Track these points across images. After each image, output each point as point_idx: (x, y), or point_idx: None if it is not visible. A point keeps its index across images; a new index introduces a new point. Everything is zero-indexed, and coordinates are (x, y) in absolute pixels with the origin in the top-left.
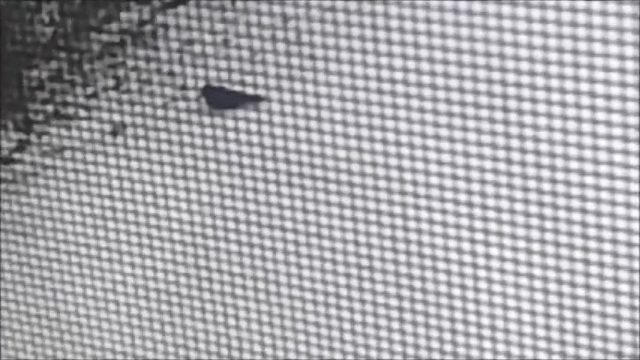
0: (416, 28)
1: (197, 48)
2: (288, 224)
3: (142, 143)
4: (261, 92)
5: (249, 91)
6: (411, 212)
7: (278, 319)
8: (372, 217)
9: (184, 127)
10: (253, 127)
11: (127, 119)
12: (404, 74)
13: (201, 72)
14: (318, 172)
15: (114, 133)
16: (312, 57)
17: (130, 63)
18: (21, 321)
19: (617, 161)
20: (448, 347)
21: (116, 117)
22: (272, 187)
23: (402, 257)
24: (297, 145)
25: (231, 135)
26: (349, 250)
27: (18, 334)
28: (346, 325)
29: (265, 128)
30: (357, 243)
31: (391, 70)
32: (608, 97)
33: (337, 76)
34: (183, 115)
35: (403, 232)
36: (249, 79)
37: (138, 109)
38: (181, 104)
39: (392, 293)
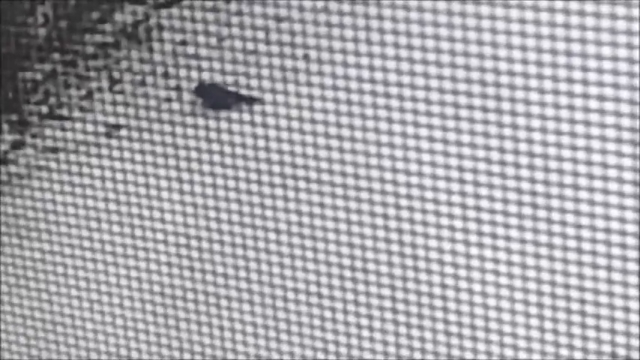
0: (409, 30)
1: (191, 49)
2: (282, 226)
3: (136, 144)
4: (255, 94)
5: (243, 92)
6: (405, 214)
7: (272, 322)
8: (366, 218)
9: (178, 129)
10: (247, 128)
11: (122, 120)
12: (398, 76)
13: (195, 73)
14: (312, 174)
15: (108, 134)
16: (306, 58)
17: (124, 64)
18: (16, 322)
19: (610, 163)
20: (442, 349)
21: (110, 118)
22: (266, 189)
23: (396, 259)
24: (291, 147)
25: (225, 137)
26: (343, 252)
27: (12, 336)
28: (340, 327)
29: (259, 130)
30: (350, 245)
31: (385, 72)
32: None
33: (331, 78)
34: (178, 117)
35: (397, 234)
36: (243, 80)
37: (132, 109)
38: (175, 105)
39: (386, 295)
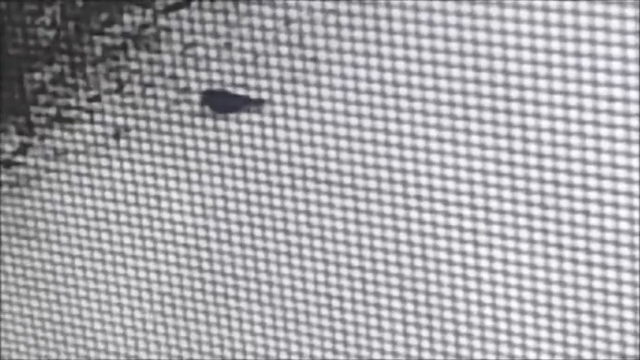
0: (419, 30)
1: (200, 51)
2: (291, 227)
3: (144, 146)
4: (264, 95)
5: (252, 94)
6: (414, 214)
7: (281, 322)
8: (375, 219)
9: (187, 131)
10: (257, 130)
11: (130, 122)
12: (407, 77)
13: (203, 75)
14: (321, 175)
15: (116, 136)
16: (315, 60)
17: (132, 66)
18: (23, 324)
19: (619, 163)
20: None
21: (118, 120)
22: (275, 190)
23: (405, 259)
24: (300, 148)
25: (235, 138)
26: (352, 253)
27: (20, 337)
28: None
29: (268, 131)
30: (359, 245)
31: (394, 73)
32: (610, 99)
33: (340, 79)
34: (186, 118)
35: (406, 234)
36: (251, 82)
37: (140, 112)
38: (184, 107)
39: (395, 295)
